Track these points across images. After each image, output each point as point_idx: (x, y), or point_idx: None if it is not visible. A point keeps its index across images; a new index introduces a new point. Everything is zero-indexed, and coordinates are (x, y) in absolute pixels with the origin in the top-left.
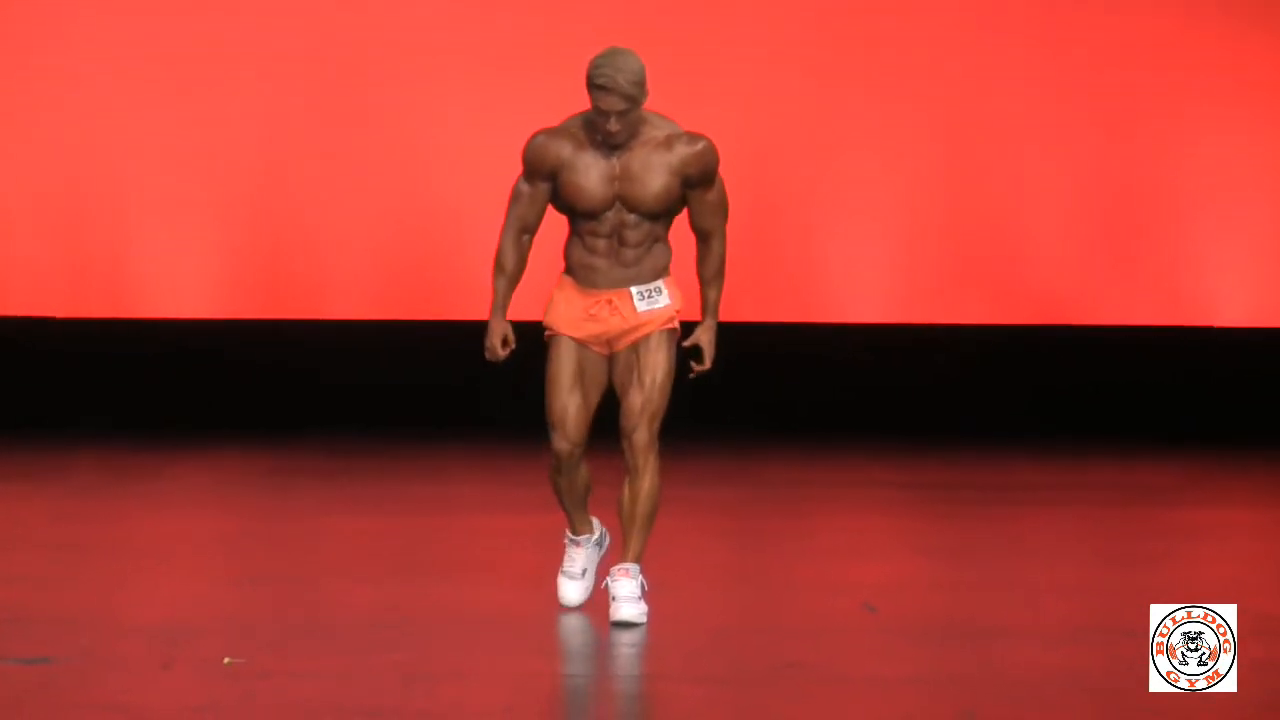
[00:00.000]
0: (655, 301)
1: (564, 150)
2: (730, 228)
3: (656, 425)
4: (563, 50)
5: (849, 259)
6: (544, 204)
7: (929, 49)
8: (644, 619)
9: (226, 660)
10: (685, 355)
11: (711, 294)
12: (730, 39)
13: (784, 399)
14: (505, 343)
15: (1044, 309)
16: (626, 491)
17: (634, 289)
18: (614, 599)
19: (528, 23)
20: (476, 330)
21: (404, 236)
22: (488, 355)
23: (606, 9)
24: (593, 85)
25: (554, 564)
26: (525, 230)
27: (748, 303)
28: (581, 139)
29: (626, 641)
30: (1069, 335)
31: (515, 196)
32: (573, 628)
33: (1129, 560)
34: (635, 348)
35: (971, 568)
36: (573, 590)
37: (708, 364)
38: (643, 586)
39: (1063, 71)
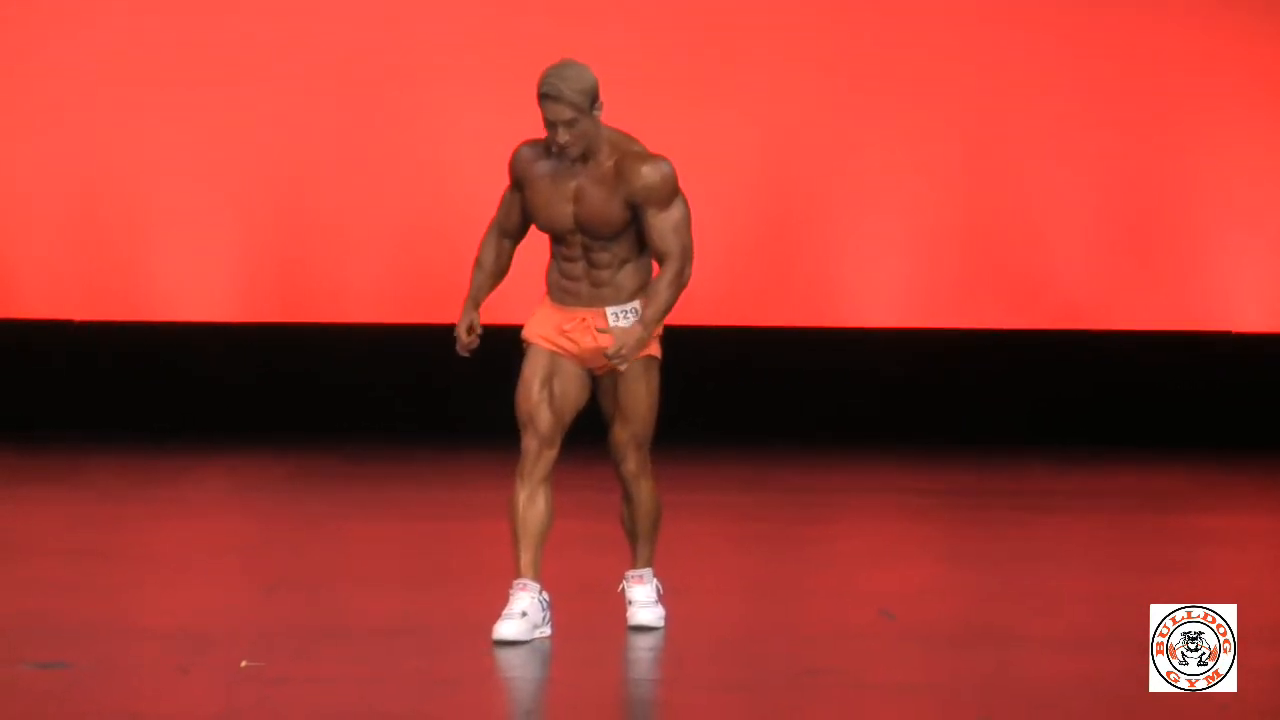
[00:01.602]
0: (631, 323)
1: (533, 165)
2: (750, 232)
3: (644, 452)
4: (580, 58)
5: (867, 264)
6: (520, 213)
7: (948, 54)
8: (662, 623)
9: (244, 663)
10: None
11: (648, 310)
12: (748, 44)
13: (802, 404)
14: (471, 329)
15: (1061, 314)
16: (625, 511)
17: (609, 310)
18: (630, 604)
19: (546, 30)
20: (495, 334)
21: (423, 240)
22: (457, 347)
23: (624, 17)
24: (539, 95)
25: (574, 570)
26: (504, 235)
27: (767, 307)
28: (553, 155)
29: (644, 646)
30: (1086, 340)
31: (501, 201)
32: (591, 634)
33: (1146, 567)
34: (615, 376)
35: (988, 574)
36: (507, 626)
37: (610, 350)
38: (658, 589)
39: (1080, 78)
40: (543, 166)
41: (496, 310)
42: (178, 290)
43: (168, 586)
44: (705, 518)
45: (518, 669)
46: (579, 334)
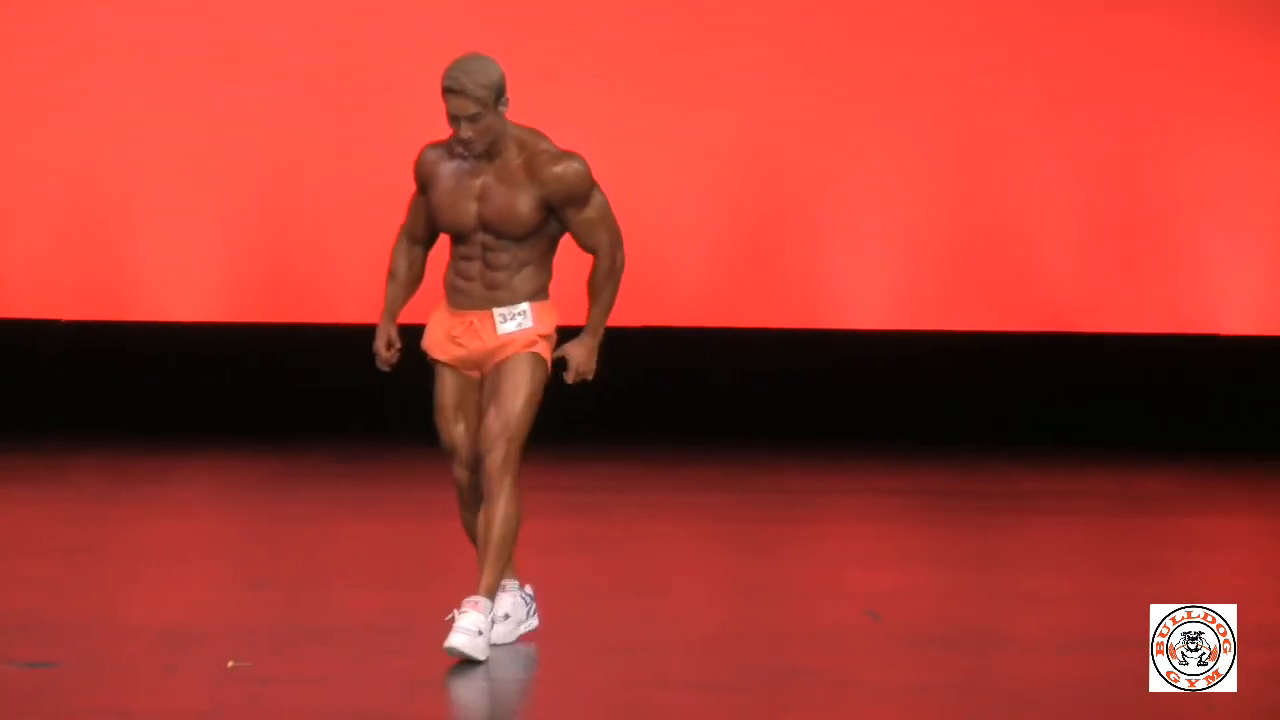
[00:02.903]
0: (518, 323)
1: (436, 165)
2: (736, 232)
3: (514, 450)
4: (570, 58)
5: (853, 266)
6: (428, 218)
7: (935, 55)
8: (479, 654)
9: (230, 664)
10: (558, 367)
11: (593, 311)
12: (734, 45)
13: (787, 405)
14: (389, 345)
15: (1048, 316)
16: (481, 518)
17: (496, 310)
18: (454, 628)
19: (535, 30)
20: None
21: None
22: (377, 362)
23: (612, 18)
24: (443, 90)
25: (558, 569)
26: (415, 242)
27: (751, 308)
28: (456, 154)
29: (626, 647)
30: (1073, 343)
31: (408, 208)
32: (574, 634)
33: (1131, 568)
34: (498, 368)
35: (973, 575)
36: (494, 632)
37: (571, 378)
38: (493, 621)
39: (1068, 80)
40: (447, 166)
41: None
42: (165, 290)
43: (154, 585)
44: (686, 518)
45: (501, 669)
46: (466, 338)
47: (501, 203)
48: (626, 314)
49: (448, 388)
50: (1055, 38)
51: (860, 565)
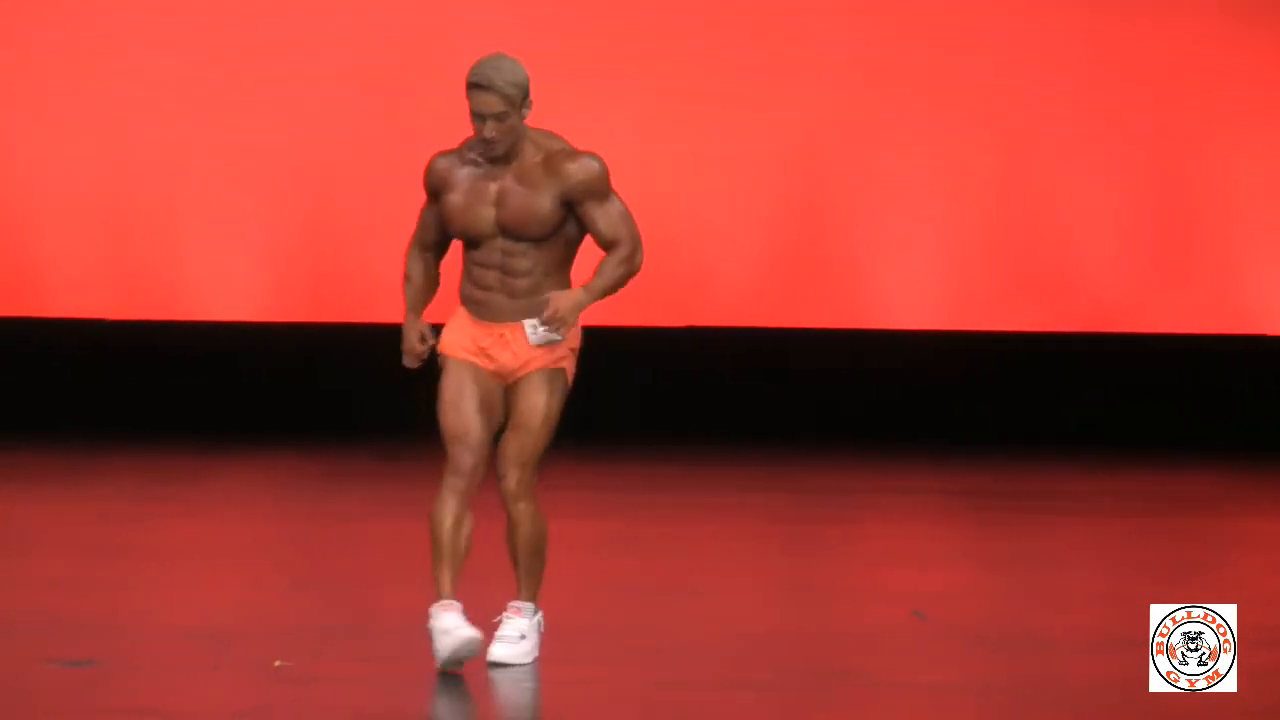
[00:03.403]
0: (549, 335)
1: (449, 171)
2: (777, 232)
3: (528, 474)
4: (601, 61)
5: (896, 265)
6: (439, 227)
7: (977, 57)
8: (526, 659)
9: (276, 663)
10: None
11: (596, 278)
12: (778, 45)
13: (831, 405)
14: (423, 339)
15: (1092, 316)
16: (509, 538)
17: (528, 322)
18: (495, 637)
19: (567, 34)
20: None
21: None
22: (406, 360)
23: (645, 18)
24: (469, 86)
25: (599, 569)
26: (426, 249)
27: (794, 308)
28: (469, 160)
29: (667, 648)
30: (1118, 343)
31: (419, 219)
32: (612, 633)
33: (1172, 570)
34: (518, 385)
35: (1018, 575)
36: (451, 645)
37: (545, 315)
38: (539, 627)
39: (1113, 80)
40: (461, 173)
41: None
42: (208, 289)
43: (195, 584)
44: (726, 518)
45: (544, 669)
46: (497, 350)
47: (521, 203)
48: (667, 314)
49: (464, 378)
50: (1096, 39)
51: (902, 565)
